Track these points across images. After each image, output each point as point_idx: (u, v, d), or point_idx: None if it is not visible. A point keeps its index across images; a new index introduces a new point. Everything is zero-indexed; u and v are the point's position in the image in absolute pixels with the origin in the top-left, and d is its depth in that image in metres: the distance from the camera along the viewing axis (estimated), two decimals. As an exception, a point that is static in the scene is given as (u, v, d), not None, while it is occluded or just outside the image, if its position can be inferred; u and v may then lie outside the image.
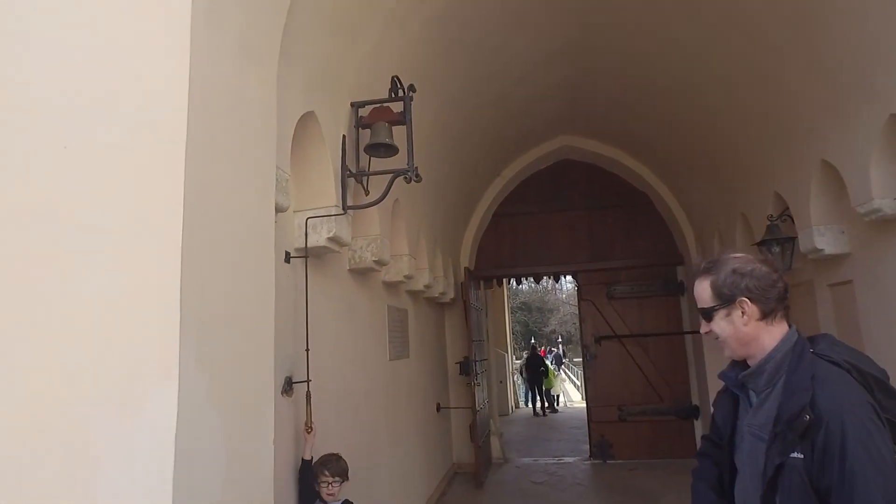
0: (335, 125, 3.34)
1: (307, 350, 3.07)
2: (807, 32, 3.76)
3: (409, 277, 5.12)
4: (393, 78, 3.39)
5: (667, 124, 6.51)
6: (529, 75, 5.92)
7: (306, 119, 3.06)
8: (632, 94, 6.27)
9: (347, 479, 3.04)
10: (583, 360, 8.68)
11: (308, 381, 3.03)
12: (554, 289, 37.08)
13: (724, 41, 4.53)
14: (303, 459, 3.01)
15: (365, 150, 3.46)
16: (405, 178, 3.34)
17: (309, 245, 3.19)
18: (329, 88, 3.26)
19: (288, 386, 2.98)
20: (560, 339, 38.49)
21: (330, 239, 3.22)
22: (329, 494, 2.93)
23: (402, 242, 5.00)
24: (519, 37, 5.18)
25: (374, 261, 4.10)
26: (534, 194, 8.57)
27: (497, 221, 8.63)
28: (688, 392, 8.14)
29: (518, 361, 20.43)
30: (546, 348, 31.42)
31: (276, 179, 2.50)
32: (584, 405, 9.11)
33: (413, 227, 5.31)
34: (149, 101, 1.77)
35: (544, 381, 14.55)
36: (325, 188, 3.24)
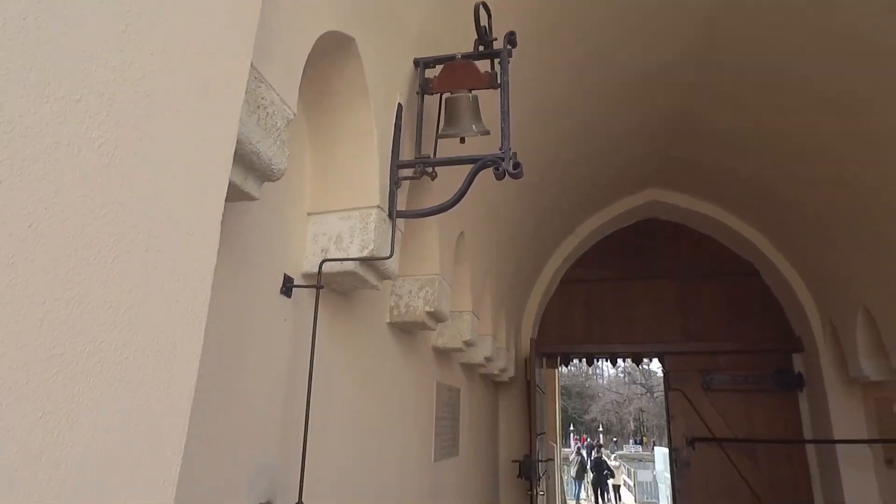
0: (386, 80, 2.07)
1: (304, 454, 1.67)
2: None
3: (469, 344, 3.69)
4: (478, 6, 2.12)
5: (795, 172, 5.08)
6: (630, 97, 4.66)
7: (338, 48, 1.79)
8: (750, 130, 4.90)
9: None
10: (671, 468, 6.85)
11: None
12: (595, 374, 35.31)
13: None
14: None
15: (440, 136, 2.15)
16: (495, 170, 2.01)
17: (326, 269, 1.85)
18: (381, 18, 2.02)
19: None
20: (601, 429, 36.31)
21: (363, 262, 1.88)
22: None
23: (463, 293, 3.60)
24: (630, 42, 3.97)
25: (428, 312, 2.71)
26: (612, 258, 7.14)
27: (567, 288, 7.16)
28: (813, 522, 6.20)
29: (566, 449, 19.29)
30: (586, 438, 29.94)
31: (259, 105, 1.20)
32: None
33: (478, 276, 3.92)
34: None
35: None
36: (363, 176, 1.93)
